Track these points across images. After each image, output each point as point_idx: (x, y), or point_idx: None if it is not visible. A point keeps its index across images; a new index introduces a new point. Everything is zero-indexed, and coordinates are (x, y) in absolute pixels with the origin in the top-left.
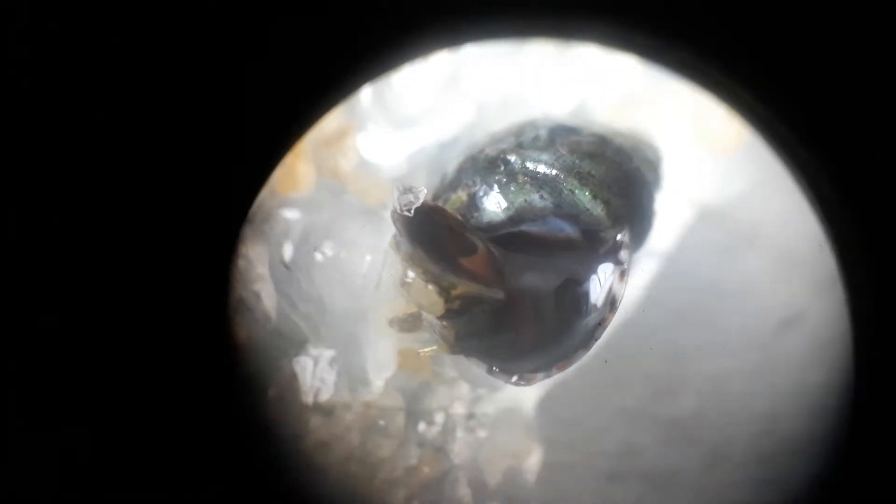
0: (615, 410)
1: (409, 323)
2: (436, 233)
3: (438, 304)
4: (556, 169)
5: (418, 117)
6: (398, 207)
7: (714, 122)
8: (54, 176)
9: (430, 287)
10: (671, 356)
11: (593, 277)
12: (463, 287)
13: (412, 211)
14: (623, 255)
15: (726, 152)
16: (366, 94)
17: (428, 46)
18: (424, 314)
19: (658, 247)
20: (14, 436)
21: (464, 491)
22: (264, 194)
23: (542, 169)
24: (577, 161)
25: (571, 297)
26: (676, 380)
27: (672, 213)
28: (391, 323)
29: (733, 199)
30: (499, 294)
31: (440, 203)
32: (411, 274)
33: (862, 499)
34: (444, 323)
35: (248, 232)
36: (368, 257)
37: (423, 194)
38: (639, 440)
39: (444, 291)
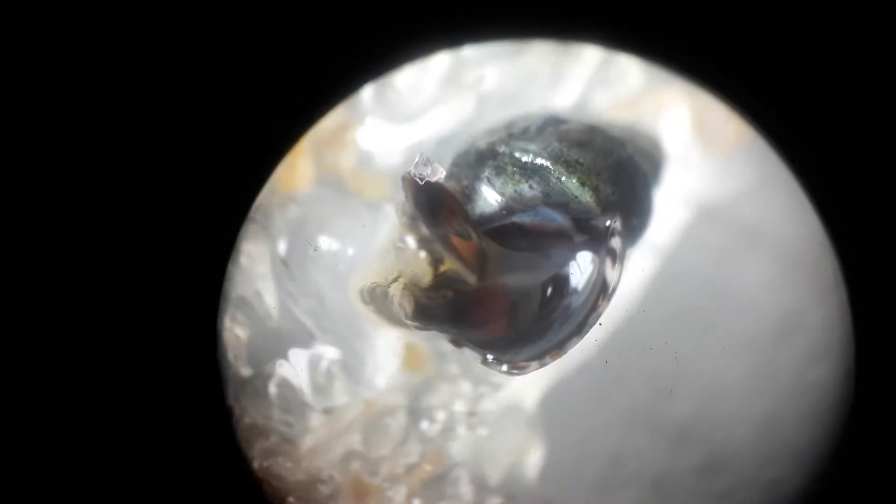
0: (616, 410)
1: (377, 294)
2: (437, 208)
3: (427, 274)
4: (543, 158)
5: (418, 114)
6: (413, 172)
7: (714, 120)
8: (53, 173)
9: (423, 255)
10: (670, 356)
11: (573, 263)
12: (448, 263)
13: (423, 181)
14: (614, 242)
15: (726, 151)
16: (366, 91)
17: (429, 46)
18: (394, 287)
19: (658, 246)
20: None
21: (465, 489)
22: (266, 191)
23: (530, 158)
24: (564, 149)
25: (558, 290)
26: (676, 380)
27: (671, 212)
28: (361, 294)
29: (733, 198)
30: (472, 279)
31: None
32: (408, 239)
33: (860, 500)
34: (411, 291)
35: (249, 229)
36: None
37: (440, 173)
38: (639, 440)
39: (434, 263)
